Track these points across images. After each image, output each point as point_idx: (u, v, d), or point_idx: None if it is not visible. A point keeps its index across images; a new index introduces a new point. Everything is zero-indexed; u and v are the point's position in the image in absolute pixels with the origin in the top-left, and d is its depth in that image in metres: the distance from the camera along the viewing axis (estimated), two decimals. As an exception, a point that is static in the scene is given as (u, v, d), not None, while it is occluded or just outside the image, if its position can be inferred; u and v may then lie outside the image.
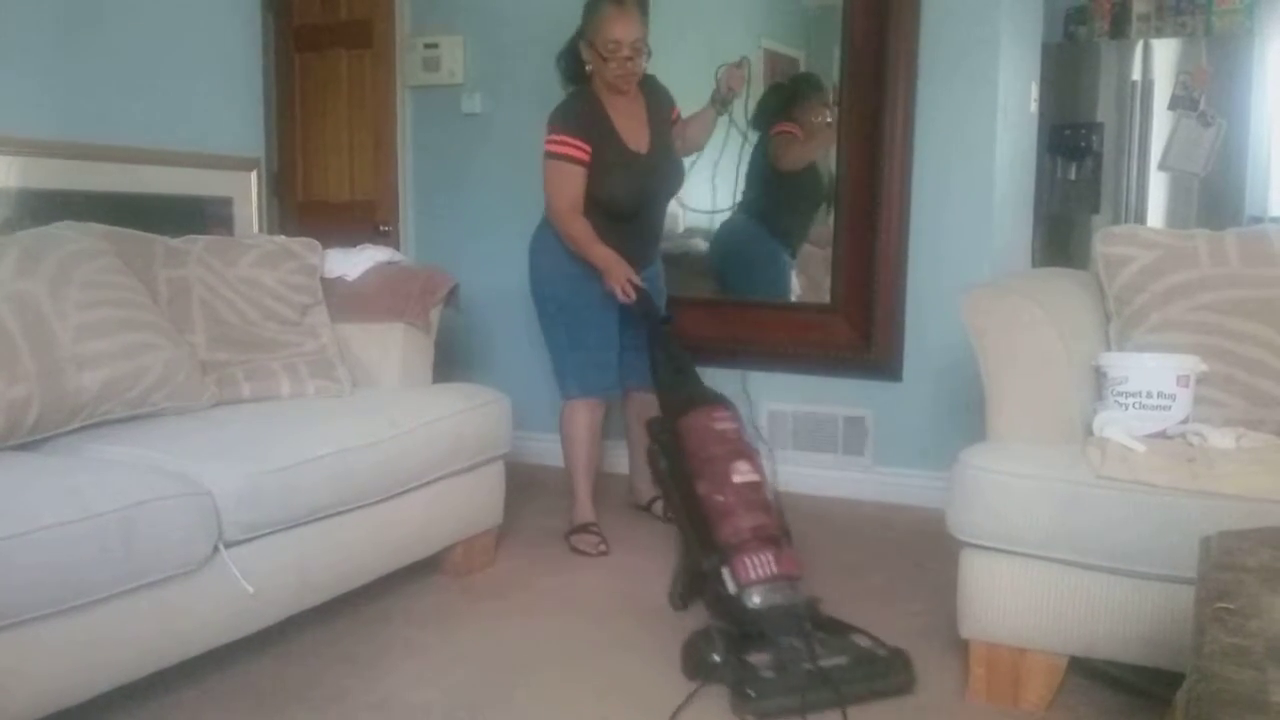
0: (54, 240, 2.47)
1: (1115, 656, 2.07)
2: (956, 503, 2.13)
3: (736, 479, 2.46)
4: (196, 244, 2.85)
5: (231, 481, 2.13)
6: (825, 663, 2.14)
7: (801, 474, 3.81)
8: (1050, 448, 2.17)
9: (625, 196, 3.17)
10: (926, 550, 3.03)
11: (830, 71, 3.80)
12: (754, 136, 3.90)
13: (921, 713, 2.17)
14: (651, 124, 3.24)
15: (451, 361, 3.48)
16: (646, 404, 3.45)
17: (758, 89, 3.67)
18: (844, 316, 3.77)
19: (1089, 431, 2.23)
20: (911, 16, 3.54)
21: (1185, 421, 2.23)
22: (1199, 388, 2.27)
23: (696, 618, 2.56)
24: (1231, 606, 1.19)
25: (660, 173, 3.27)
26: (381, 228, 4.37)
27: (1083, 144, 4.64)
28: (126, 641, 1.95)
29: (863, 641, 2.28)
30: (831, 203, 3.83)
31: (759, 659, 2.17)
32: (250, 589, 2.13)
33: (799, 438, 3.86)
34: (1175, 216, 4.52)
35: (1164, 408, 2.23)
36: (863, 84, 3.64)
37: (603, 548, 3.16)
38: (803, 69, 4.04)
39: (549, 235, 3.24)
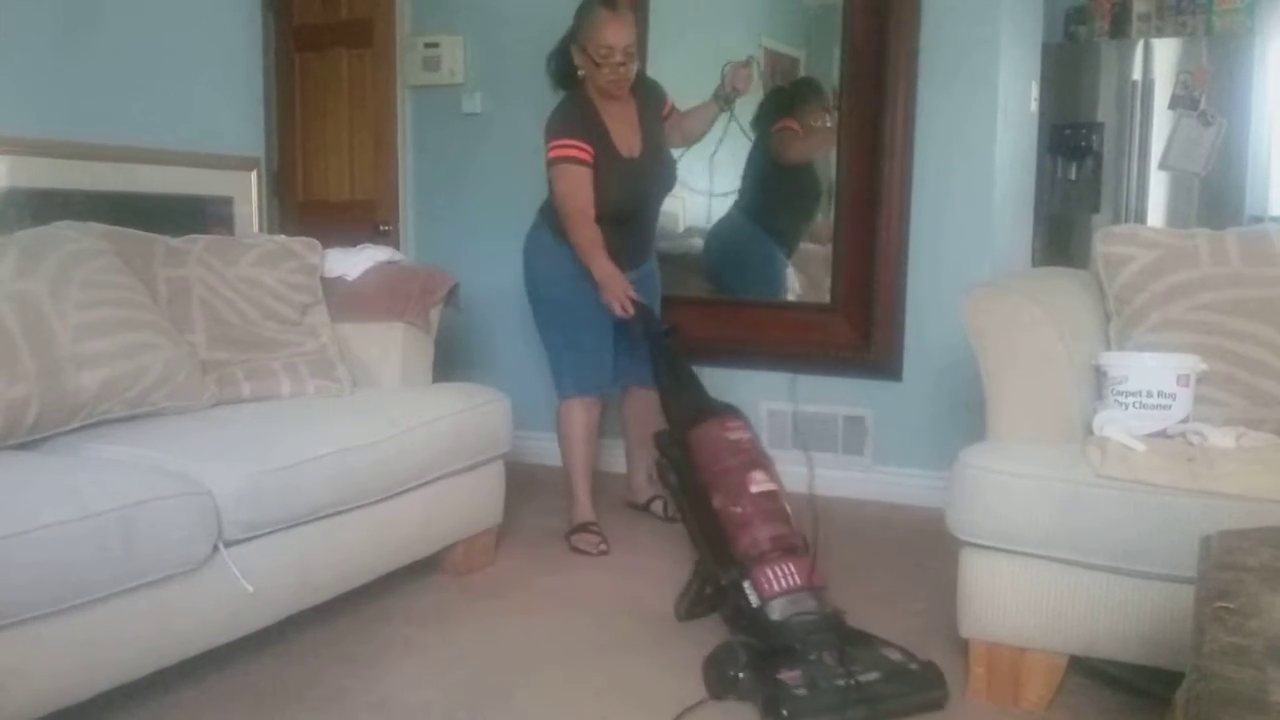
0: (54, 240, 2.47)
1: (1115, 656, 2.07)
2: (956, 502, 2.13)
3: (754, 489, 2.41)
4: (197, 243, 2.85)
5: (231, 481, 2.13)
6: (857, 679, 2.06)
7: (800, 474, 3.81)
8: (1050, 447, 2.17)
9: (619, 202, 3.17)
10: (926, 550, 3.03)
11: (830, 71, 3.80)
12: (753, 136, 3.90)
13: (922, 712, 2.17)
14: (643, 127, 3.23)
15: (451, 361, 3.48)
16: (643, 402, 3.46)
17: (760, 90, 3.66)
18: (844, 316, 3.77)
19: (1089, 431, 2.23)
20: (912, 16, 3.54)
21: (1185, 421, 2.23)
22: (1199, 387, 2.27)
23: (702, 625, 2.56)
24: (1231, 606, 1.19)
25: (652, 175, 3.27)
26: (381, 227, 4.37)
27: (1083, 144, 4.64)
28: (126, 641, 1.95)
29: (894, 655, 2.20)
30: (829, 202, 3.83)
31: (790, 676, 2.08)
32: (250, 588, 2.13)
33: (799, 437, 3.86)
34: (1175, 216, 4.52)
35: (1164, 407, 2.22)
36: (863, 84, 3.64)
37: (603, 547, 3.16)
38: (803, 69, 4.05)
39: (544, 236, 3.24)
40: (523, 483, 3.35)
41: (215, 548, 2.09)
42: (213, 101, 3.46)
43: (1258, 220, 4.38)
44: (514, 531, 3.22)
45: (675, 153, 3.40)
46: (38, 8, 2.95)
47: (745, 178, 3.97)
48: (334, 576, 2.45)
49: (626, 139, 3.19)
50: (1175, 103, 4.51)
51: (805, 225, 4.05)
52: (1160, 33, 4.66)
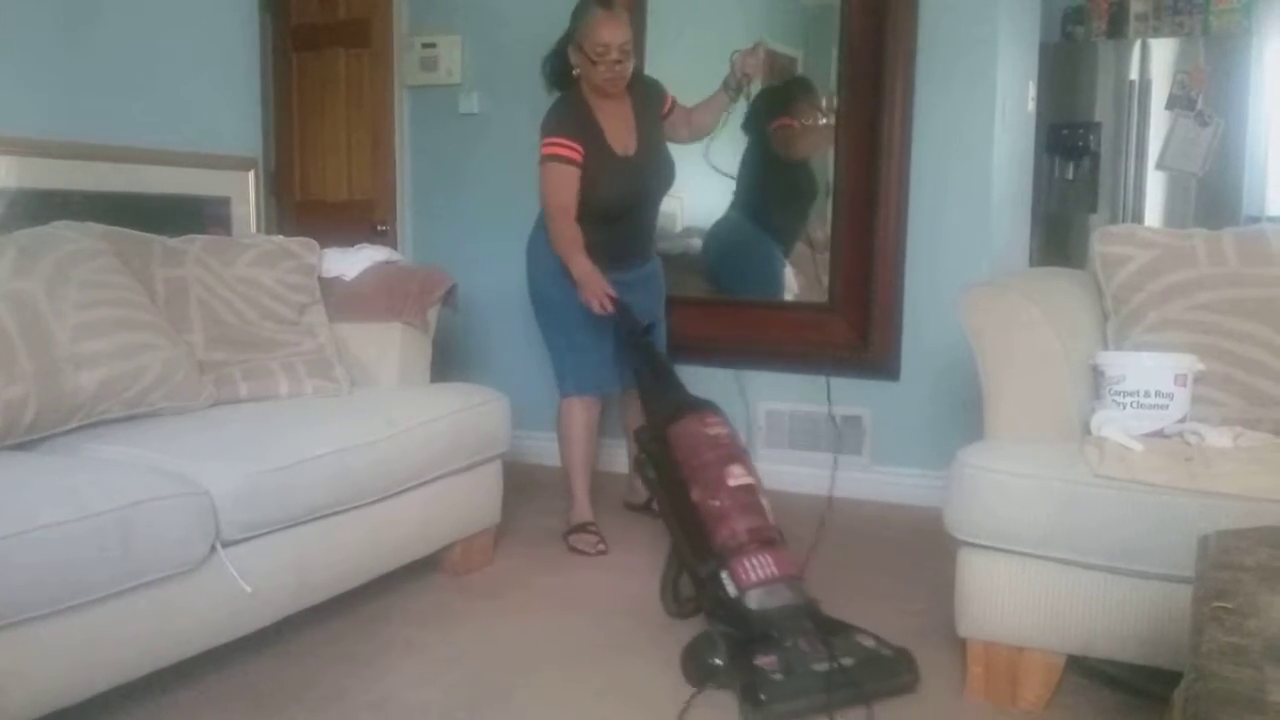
0: (52, 240, 2.47)
1: (1113, 655, 2.07)
2: (954, 502, 2.13)
3: (731, 482, 2.45)
4: (194, 244, 2.85)
5: (229, 481, 2.13)
6: (832, 664, 2.13)
7: (799, 473, 3.82)
8: (1048, 447, 2.17)
9: (614, 200, 3.19)
10: (924, 549, 3.03)
11: (828, 71, 3.80)
12: (747, 137, 3.89)
13: (920, 711, 2.17)
14: (639, 125, 3.24)
15: (449, 361, 3.48)
16: None
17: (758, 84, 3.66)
18: (842, 316, 3.77)
19: (1087, 430, 2.23)
20: (909, 16, 3.54)
21: (1183, 420, 2.23)
22: (1196, 387, 2.27)
23: (699, 624, 2.56)
24: (1229, 605, 1.19)
25: (648, 173, 3.27)
26: (379, 227, 4.37)
27: (1080, 143, 4.65)
28: (124, 641, 1.95)
29: (867, 642, 2.26)
30: (826, 200, 3.83)
31: (766, 661, 2.13)
32: (248, 589, 2.13)
33: (796, 437, 3.86)
34: (1173, 216, 4.52)
35: (1161, 407, 2.23)
36: (861, 83, 3.64)
37: (601, 547, 3.16)
38: (801, 68, 4.04)
39: (545, 236, 3.25)
40: (521, 482, 3.35)
41: (213, 548, 2.08)
42: (210, 102, 3.46)
43: (1255, 220, 4.38)
44: (512, 531, 3.22)
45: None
46: (37, 8, 2.95)
47: (741, 178, 3.97)
48: (332, 576, 2.45)
49: (621, 137, 3.20)
50: (1172, 103, 4.52)
51: (803, 224, 4.04)
52: (1157, 33, 4.67)
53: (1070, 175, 4.71)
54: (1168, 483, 1.94)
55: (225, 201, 3.47)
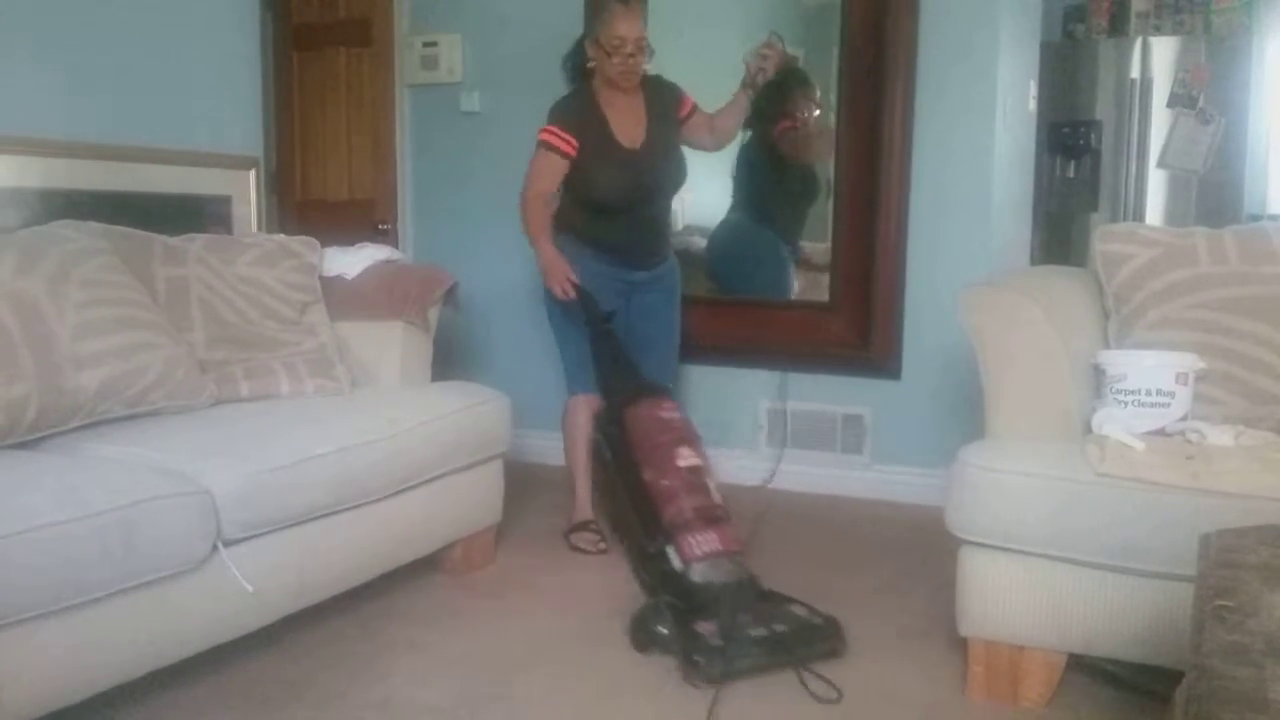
0: (53, 239, 2.47)
1: (1114, 654, 2.07)
2: (955, 500, 2.13)
3: (680, 464, 2.63)
4: (195, 243, 2.85)
5: (231, 480, 2.13)
6: (767, 631, 2.30)
7: (800, 472, 3.82)
8: (1049, 445, 2.17)
9: (615, 191, 3.21)
10: (925, 548, 3.02)
11: (829, 70, 3.80)
12: (746, 136, 3.88)
13: (921, 711, 2.17)
14: (650, 122, 3.25)
15: (450, 360, 3.48)
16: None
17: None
18: (843, 315, 3.77)
19: (1088, 429, 2.23)
20: (910, 15, 3.54)
21: (1184, 419, 2.23)
22: (1198, 385, 2.27)
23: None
24: (1231, 604, 1.19)
25: (655, 168, 3.28)
26: (380, 226, 4.37)
27: (1081, 142, 4.65)
28: (126, 640, 1.95)
29: (800, 611, 2.41)
30: (827, 201, 3.82)
31: (705, 628, 2.30)
32: (250, 588, 2.13)
33: (798, 436, 3.86)
34: (1174, 214, 4.52)
35: (1163, 405, 2.23)
36: (861, 82, 3.64)
37: (602, 545, 3.16)
38: (801, 67, 4.04)
39: (557, 237, 3.26)
40: (522, 482, 3.35)
41: (214, 547, 2.08)
42: (211, 101, 3.46)
43: (1256, 219, 4.38)
44: (513, 530, 3.22)
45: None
46: (37, 7, 2.95)
47: (740, 179, 3.96)
48: (333, 576, 2.45)
49: (629, 130, 3.22)
50: (1174, 101, 4.52)
51: (803, 224, 4.05)
52: (1158, 31, 4.66)
53: (1071, 174, 4.70)
54: (1169, 481, 1.94)
55: (226, 200, 3.47)
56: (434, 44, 4.29)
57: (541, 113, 3.27)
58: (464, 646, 2.48)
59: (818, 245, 3.95)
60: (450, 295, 3.10)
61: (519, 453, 3.33)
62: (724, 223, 4.08)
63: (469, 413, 2.84)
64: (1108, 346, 2.43)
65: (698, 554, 2.48)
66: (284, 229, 3.98)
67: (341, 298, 3.01)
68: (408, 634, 2.53)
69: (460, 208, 4.33)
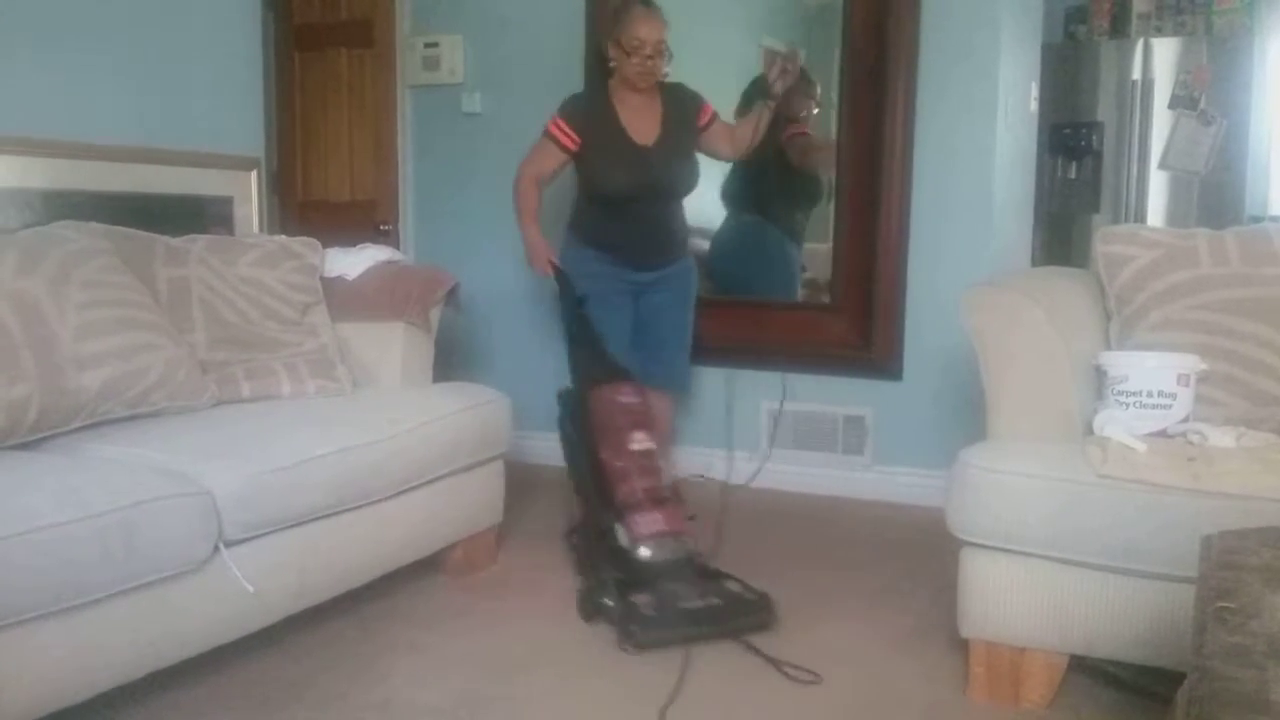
0: (54, 240, 2.47)
1: (1116, 655, 2.07)
2: (956, 502, 2.13)
3: (634, 447, 2.77)
4: (197, 243, 2.86)
5: (232, 481, 2.13)
6: (700, 603, 2.48)
7: (801, 473, 3.82)
8: (1050, 447, 2.17)
9: (623, 184, 3.27)
10: (926, 549, 3.02)
11: (830, 70, 3.79)
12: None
13: (923, 712, 2.17)
14: (665, 123, 3.30)
15: (451, 361, 3.48)
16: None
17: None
18: (844, 315, 3.77)
19: (1089, 430, 2.23)
20: (911, 15, 3.54)
21: (1186, 420, 2.23)
22: (1199, 387, 2.27)
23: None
24: (1232, 605, 1.19)
25: (664, 166, 3.30)
26: (381, 227, 4.37)
27: (1083, 143, 4.64)
28: (127, 641, 1.95)
29: (734, 586, 2.59)
30: (829, 202, 3.82)
31: (641, 600, 2.49)
32: (251, 588, 2.13)
33: (799, 437, 3.86)
34: (1175, 215, 4.52)
35: (1164, 407, 2.23)
36: (863, 83, 3.64)
37: (603, 546, 3.17)
38: (801, 65, 4.03)
39: (569, 238, 3.36)
40: (523, 482, 3.35)
41: (216, 548, 2.09)
42: (213, 101, 3.46)
43: (1257, 220, 4.38)
44: (514, 531, 3.22)
45: None
46: (38, 8, 2.95)
47: (741, 179, 3.95)
48: (334, 576, 2.45)
49: (641, 129, 3.28)
50: (1175, 102, 4.51)
51: (805, 227, 4.05)
52: (1160, 32, 4.66)
53: (1073, 175, 4.70)
54: (1170, 483, 1.94)
55: (228, 201, 3.47)
56: (435, 45, 4.29)
57: (542, 113, 3.30)
58: (465, 647, 2.48)
59: (819, 247, 3.95)
60: (451, 296, 3.10)
61: (520, 453, 3.33)
62: (734, 223, 4.07)
63: (470, 413, 2.84)
64: (1109, 348, 2.43)
65: (643, 533, 2.62)
66: (285, 230, 3.97)
67: (343, 298, 3.01)
68: (408, 635, 2.53)
69: (461, 209, 4.34)
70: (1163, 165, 4.55)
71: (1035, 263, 4.31)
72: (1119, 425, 2.15)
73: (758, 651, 2.39)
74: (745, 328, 3.89)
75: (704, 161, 3.47)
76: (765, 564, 3.04)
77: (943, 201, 3.60)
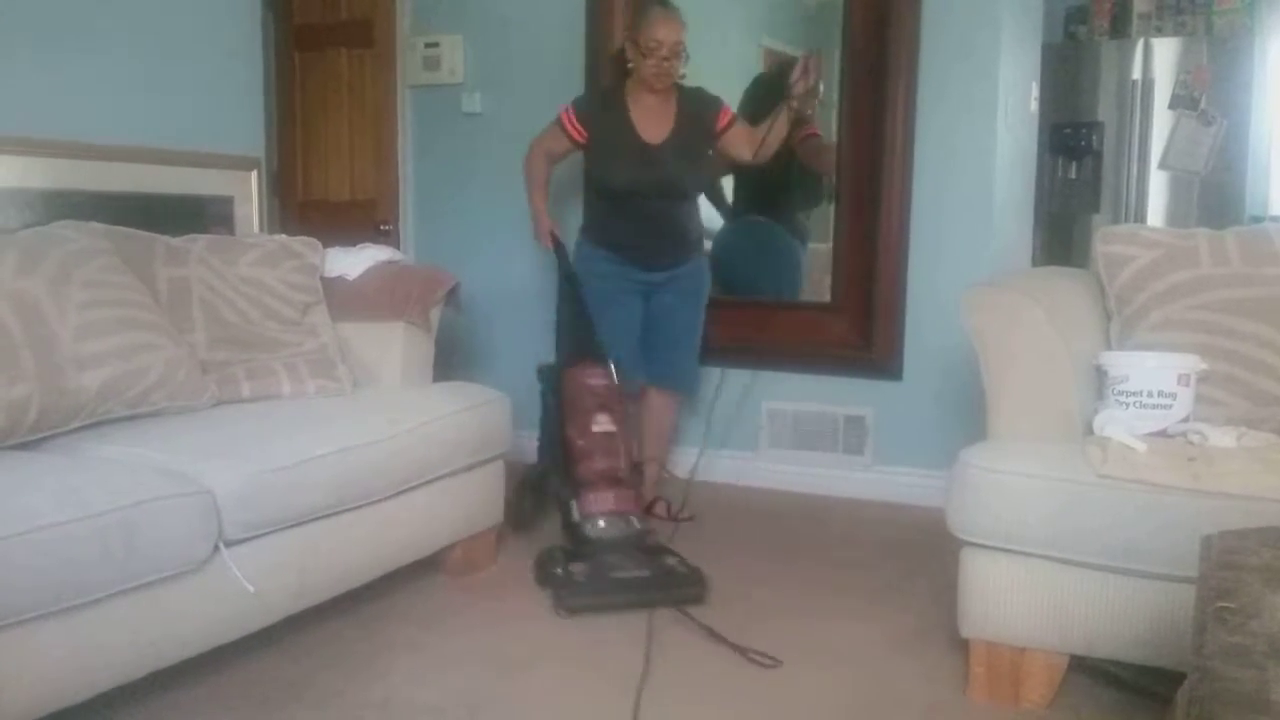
0: (54, 240, 2.47)
1: (1116, 655, 2.07)
2: (957, 502, 2.13)
3: (595, 429, 2.94)
4: (197, 243, 2.86)
5: (232, 481, 2.13)
6: (630, 574, 2.69)
7: (801, 473, 3.82)
8: (1051, 447, 2.17)
9: (623, 179, 3.31)
10: (927, 549, 3.02)
11: (831, 70, 3.79)
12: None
13: (923, 712, 2.17)
14: (678, 124, 3.33)
15: (452, 361, 3.48)
16: (659, 407, 3.51)
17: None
18: (844, 315, 3.77)
19: (1089, 430, 2.23)
20: (912, 15, 3.53)
21: (1186, 420, 2.23)
22: (1200, 387, 2.27)
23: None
24: (1232, 606, 1.19)
25: (671, 164, 3.32)
26: (382, 227, 4.37)
27: (1083, 143, 4.64)
28: (126, 641, 1.95)
29: (671, 561, 2.78)
30: (830, 202, 3.82)
31: (577, 569, 2.73)
32: (251, 588, 2.13)
33: (799, 437, 3.86)
34: (1176, 215, 4.52)
35: (1165, 407, 2.23)
36: (863, 82, 3.64)
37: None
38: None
39: (583, 237, 3.43)
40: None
41: (216, 548, 2.09)
42: (213, 102, 3.46)
43: (1258, 220, 4.37)
44: (515, 531, 3.21)
45: None
46: (39, 8, 2.95)
47: (753, 180, 3.95)
48: (334, 576, 2.45)
49: (651, 127, 3.32)
50: (1175, 102, 4.51)
51: (808, 224, 4.05)
52: (1160, 32, 4.66)
53: (1073, 175, 4.70)
54: (1171, 483, 1.94)
55: (228, 201, 3.47)
56: (435, 45, 4.29)
57: (543, 113, 3.34)
58: (464, 647, 2.48)
59: (820, 247, 3.95)
60: (451, 296, 3.10)
61: (520, 453, 3.33)
62: (742, 223, 4.06)
63: (470, 413, 2.84)
64: (1109, 348, 2.43)
65: (592, 510, 2.83)
66: (285, 230, 3.97)
67: (343, 298, 3.01)
68: (408, 634, 2.53)
69: (461, 208, 4.34)
70: (1163, 165, 4.55)
71: (1035, 263, 4.31)
72: (1119, 425, 2.15)
73: (721, 638, 2.44)
74: (745, 327, 3.89)
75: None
76: (765, 563, 3.05)
77: (943, 201, 3.60)
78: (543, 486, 3.13)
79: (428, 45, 4.31)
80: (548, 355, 3.39)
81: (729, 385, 3.83)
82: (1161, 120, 4.53)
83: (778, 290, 4.09)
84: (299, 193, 4.60)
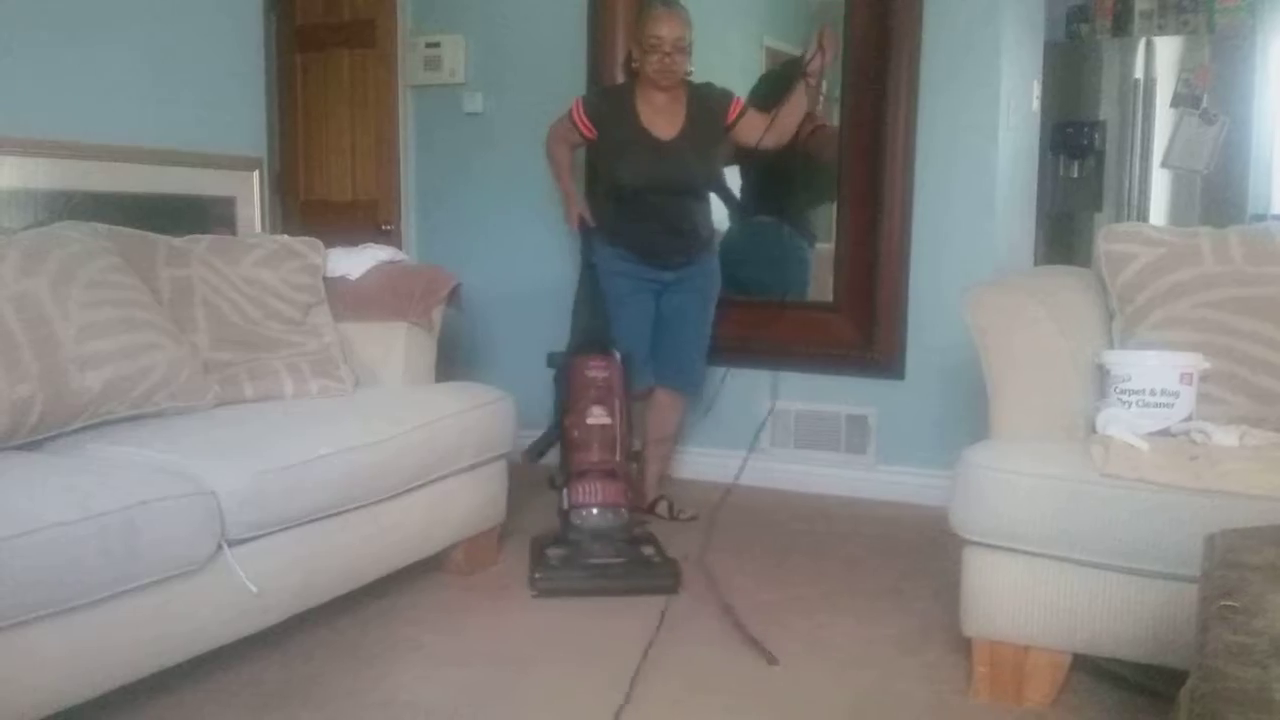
0: (56, 240, 2.47)
1: (1119, 654, 2.07)
2: (960, 501, 2.12)
3: (590, 420, 3.00)
4: (199, 244, 2.86)
5: (235, 481, 2.13)
6: (603, 560, 2.80)
7: (804, 472, 3.82)
8: (1053, 446, 2.17)
9: (631, 175, 3.32)
10: (929, 549, 3.03)
11: (832, 69, 3.78)
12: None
13: (925, 711, 2.17)
14: (687, 120, 3.33)
15: (454, 360, 3.48)
16: (665, 408, 3.51)
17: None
18: (846, 315, 3.76)
19: (1092, 429, 2.23)
20: (914, 14, 3.53)
21: (1188, 419, 2.23)
22: (1202, 385, 2.26)
23: (700, 623, 2.56)
24: (1235, 604, 1.19)
25: (680, 160, 3.33)
26: (384, 227, 4.37)
27: (1085, 142, 4.64)
28: (130, 641, 1.95)
29: (648, 551, 2.89)
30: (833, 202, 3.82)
31: (554, 553, 2.85)
32: (254, 588, 2.13)
33: (801, 436, 3.86)
34: (1178, 214, 4.52)
35: (1167, 405, 2.22)
36: (865, 82, 3.64)
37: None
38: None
39: (599, 233, 3.41)
40: (526, 482, 3.35)
41: (219, 548, 2.09)
42: (215, 102, 3.46)
43: (1260, 219, 4.37)
44: (517, 531, 3.21)
45: None
46: (41, 8, 2.96)
47: (762, 180, 3.94)
48: (337, 576, 2.45)
49: (660, 124, 3.32)
50: (1177, 101, 4.51)
51: (817, 223, 4.05)
52: (1162, 31, 4.66)
53: (1075, 174, 4.70)
54: (1173, 482, 1.93)
55: (230, 201, 3.47)
56: (437, 45, 4.29)
57: (544, 113, 3.34)
58: (467, 646, 2.48)
59: (822, 246, 3.94)
60: (453, 296, 3.10)
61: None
62: (751, 223, 4.06)
63: (473, 413, 2.84)
64: (1112, 346, 2.43)
65: (580, 500, 2.91)
66: (288, 230, 3.98)
67: (345, 298, 3.01)
68: (411, 634, 2.53)
69: (463, 208, 4.34)
70: (1165, 164, 4.55)
71: (1038, 261, 4.30)
72: (1122, 424, 2.15)
73: (738, 620, 2.52)
74: (747, 327, 3.88)
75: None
76: (768, 563, 3.05)
77: (945, 200, 3.60)
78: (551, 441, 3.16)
79: (429, 45, 4.31)
80: (548, 352, 3.39)
81: (730, 384, 3.83)
82: (1164, 119, 4.53)
83: (786, 291, 4.09)
84: (301, 193, 4.61)
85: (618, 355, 3.09)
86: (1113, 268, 2.48)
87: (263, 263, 2.87)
